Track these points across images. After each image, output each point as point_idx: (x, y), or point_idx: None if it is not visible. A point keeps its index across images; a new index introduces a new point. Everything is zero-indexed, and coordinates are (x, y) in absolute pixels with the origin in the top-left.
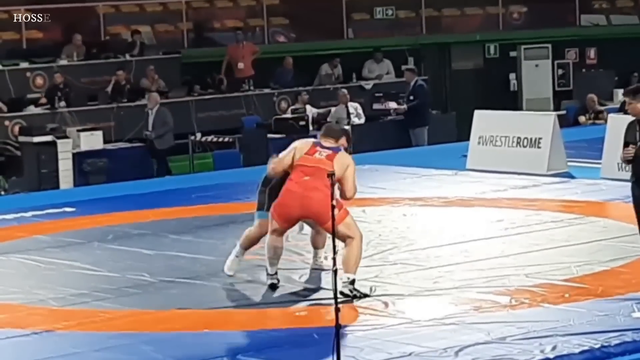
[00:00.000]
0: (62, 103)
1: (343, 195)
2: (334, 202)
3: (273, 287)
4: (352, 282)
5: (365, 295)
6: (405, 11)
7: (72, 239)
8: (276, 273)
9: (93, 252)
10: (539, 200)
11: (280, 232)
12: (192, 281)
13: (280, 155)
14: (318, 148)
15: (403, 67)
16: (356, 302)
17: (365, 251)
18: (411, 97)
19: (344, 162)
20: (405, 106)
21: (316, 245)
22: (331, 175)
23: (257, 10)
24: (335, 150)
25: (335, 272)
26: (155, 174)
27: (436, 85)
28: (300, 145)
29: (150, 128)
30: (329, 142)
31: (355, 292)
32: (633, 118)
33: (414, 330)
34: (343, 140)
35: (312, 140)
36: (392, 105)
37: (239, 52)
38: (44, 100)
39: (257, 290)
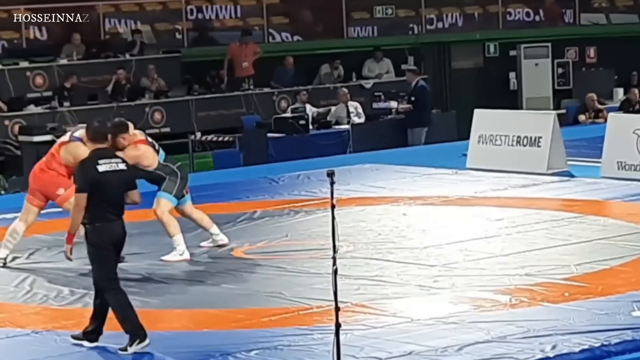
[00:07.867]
0: (67, 103)
1: None
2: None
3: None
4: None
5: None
6: (405, 10)
7: None
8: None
9: None
10: (538, 199)
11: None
12: (192, 280)
13: None
14: (64, 137)
15: (404, 67)
16: (355, 302)
17: (364, 250)
18: (412, 99)
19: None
20: (407, 105)
21: (205, 228)
22: (330, 174)
23: (257, 9)
24: (74, 140)
25: (335, 271)
26: None
27: (436, 84)
28: None
29: None
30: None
31: None
32: None
33: (414, 329)
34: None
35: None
36: (395, 104)
37: (242, 51)
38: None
39: (256, 289)
